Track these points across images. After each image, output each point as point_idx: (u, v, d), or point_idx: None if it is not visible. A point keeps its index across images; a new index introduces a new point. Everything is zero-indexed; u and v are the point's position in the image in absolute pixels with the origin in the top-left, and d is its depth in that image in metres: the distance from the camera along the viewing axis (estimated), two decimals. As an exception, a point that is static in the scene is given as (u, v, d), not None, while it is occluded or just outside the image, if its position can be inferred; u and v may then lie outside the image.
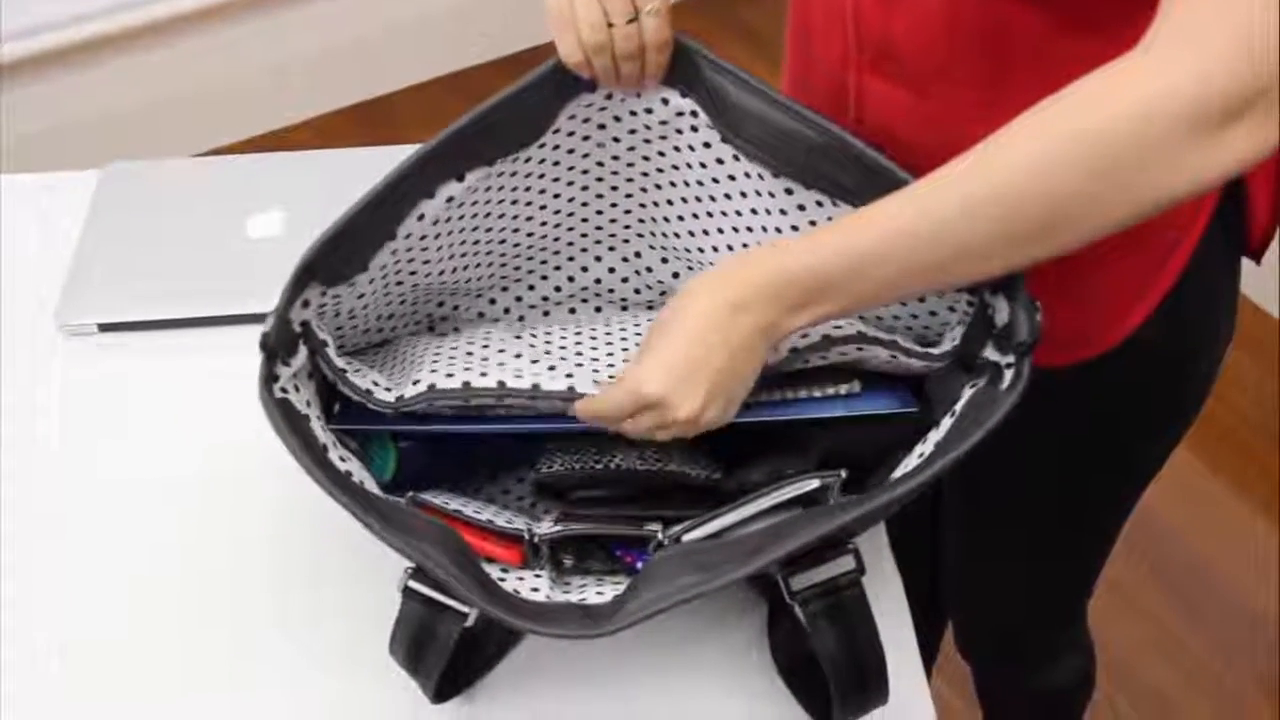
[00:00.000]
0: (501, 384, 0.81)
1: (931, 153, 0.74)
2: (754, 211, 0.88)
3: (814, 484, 0.79)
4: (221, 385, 1.02)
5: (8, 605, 0.90)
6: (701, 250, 0.94)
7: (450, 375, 0.82)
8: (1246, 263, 0.94)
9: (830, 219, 0.84)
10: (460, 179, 0.85)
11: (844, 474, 0.80)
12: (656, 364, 0.76)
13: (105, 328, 1.09)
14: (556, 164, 0.89)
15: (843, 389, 0.85)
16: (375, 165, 0.87)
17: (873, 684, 0.76)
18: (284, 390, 0.79)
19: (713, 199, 0.90)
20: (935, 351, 0.83)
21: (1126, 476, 1.03)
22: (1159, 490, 1.07)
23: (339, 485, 0.76)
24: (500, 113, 0.84)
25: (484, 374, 0.82)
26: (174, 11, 2.35)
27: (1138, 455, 1.02)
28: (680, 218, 0.94)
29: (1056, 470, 1.00)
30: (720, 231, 0.92)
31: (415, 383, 0.83)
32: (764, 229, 0.89)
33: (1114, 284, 0.88)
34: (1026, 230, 0.69)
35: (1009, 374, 0.76)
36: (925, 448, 0.78)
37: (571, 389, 0.82)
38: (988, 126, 0.70)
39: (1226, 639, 1.79)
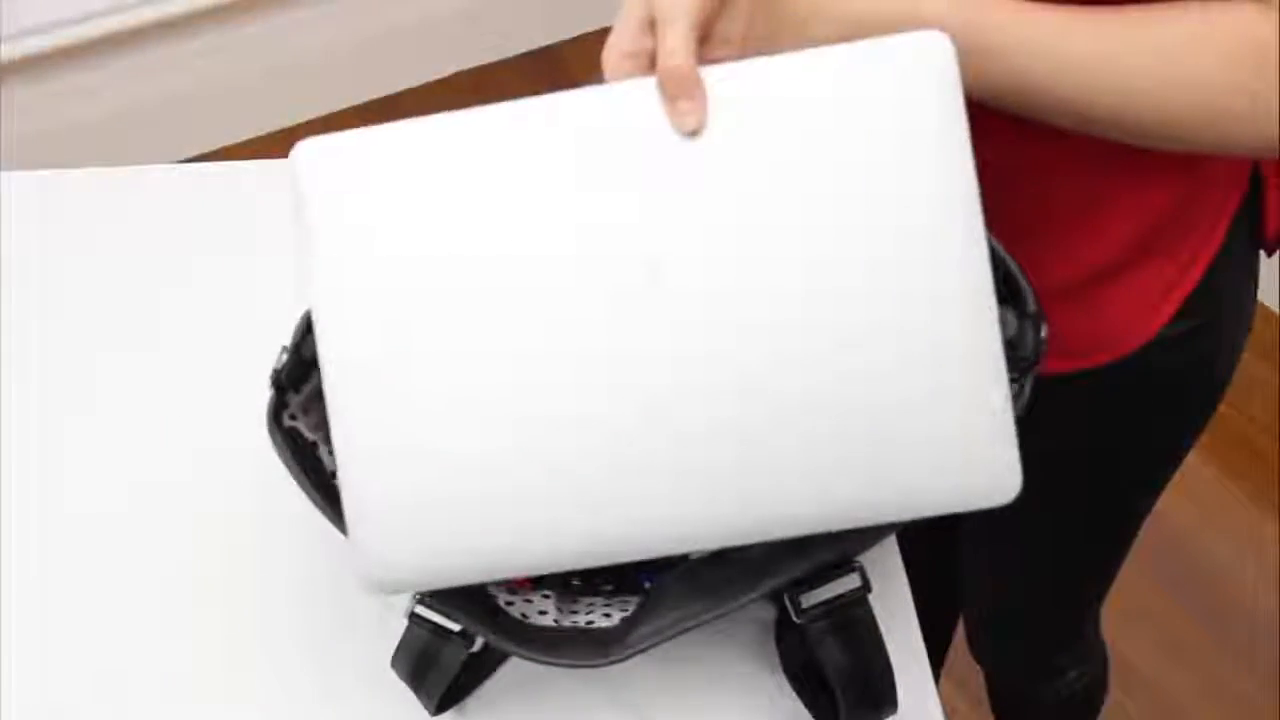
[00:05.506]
0: None
1: None
2: None
3: None
4: (237, 389, 1.02)
5: (9, 604, 0.90)
6: None
7: None
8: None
9: None
10: None
11: None
12: None
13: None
14: None
15: None
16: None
17: (880, 698, 0.76)
18: (292, 416, 0.79)
19: None
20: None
21: (1145, 478, 1.03)
22: (1169, 495, 1.07)
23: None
24: None
25: None
26: (180, 10, 2.35)
27: (1157, 457, 1.02)
28: None
29: (1078, 475, 1.00)
30: None
31: None
32: None
33: (1138, 290, 0.87)
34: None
35: (1013, 388, 0.76)
36: None
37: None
38: None
39: (1238, 644, 1.79)
